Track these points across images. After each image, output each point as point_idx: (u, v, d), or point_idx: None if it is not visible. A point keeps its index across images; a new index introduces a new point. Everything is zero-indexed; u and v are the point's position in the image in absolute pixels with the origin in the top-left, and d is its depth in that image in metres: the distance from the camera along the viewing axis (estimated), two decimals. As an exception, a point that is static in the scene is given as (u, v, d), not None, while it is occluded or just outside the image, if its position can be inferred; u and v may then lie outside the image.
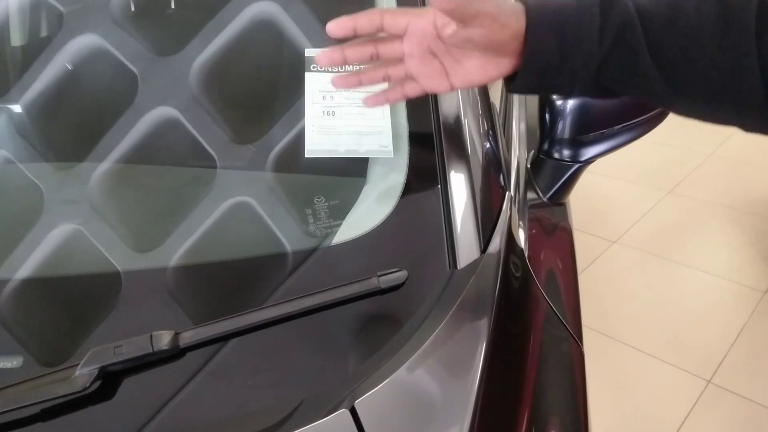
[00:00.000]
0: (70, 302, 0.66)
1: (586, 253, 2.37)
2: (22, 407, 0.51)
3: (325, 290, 0.59)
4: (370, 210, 0.68)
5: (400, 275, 0.60)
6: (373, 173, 0.71)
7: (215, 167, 0.72)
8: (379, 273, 0.60)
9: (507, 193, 0.73)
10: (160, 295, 0.63)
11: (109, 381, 0.54)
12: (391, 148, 0.70)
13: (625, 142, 0.88)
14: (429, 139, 0.70)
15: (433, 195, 0.67)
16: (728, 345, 1.89)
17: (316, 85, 0.70)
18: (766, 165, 2.94)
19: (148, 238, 0.69)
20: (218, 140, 0.73)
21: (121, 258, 0.66)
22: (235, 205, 0.69)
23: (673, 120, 0.70)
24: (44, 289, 0.67)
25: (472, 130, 0.72)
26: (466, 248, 0.64)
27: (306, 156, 0.69)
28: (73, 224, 0.69)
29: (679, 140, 3.27)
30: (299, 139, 0.70)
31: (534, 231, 0.78)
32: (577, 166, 0.87)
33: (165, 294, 0.63)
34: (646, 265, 2.29)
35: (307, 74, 0.71)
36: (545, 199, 0.87)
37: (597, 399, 1.73)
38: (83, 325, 0.62)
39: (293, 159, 0.71)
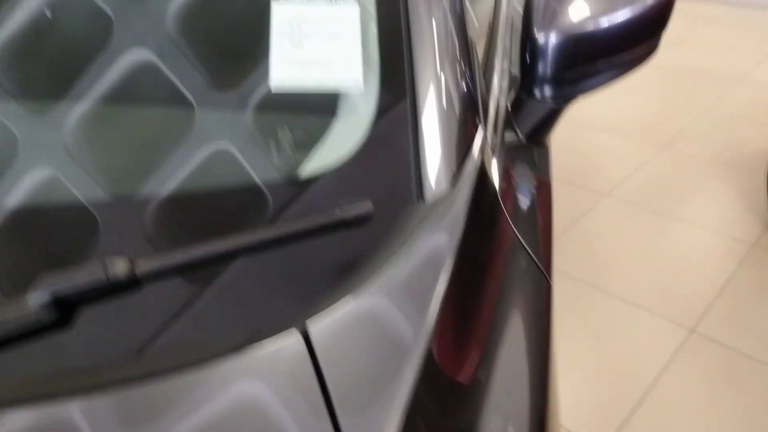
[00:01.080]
0: (46, 248, 0.65)
1: (578, 205, 2.37)
2: None
3: (288, 222, 0.58)
4: (338, 143, 0.67)
5: (365, 207, 0.58)
6: (343, 106, 0.70)
7: (193, 112, 0.70)
8: (343, 204, 0.58)
9: (480, 128, 0.72)
10: (137, 240, 0.63)
11: (65, 310, 0.53)
12: (361, 81, 0.68)
13: (608, 80, 0.86)
14: (400, 71, 0.68)
15: (403, 128, 0.66)
16: (714, 295, 1.91)
17: (283, 15, 0.68)
18: (762, 120, 2.91)
19: (124, 183, 0.68)
20: (196, 85, 0.71)
21: (97, 204, 0.65)
22: (214, 152, 0.68)
23: (669, 74, 0.68)
24: (18, 234, 0.66)
25: (445, 63, 0.71)
26: (434, 181, 0.63)
27: (272, 90, 0.67)
28: (48, 168, 0.68)
29: (675, 95, 3.24)
30: (299, 99, 0.68)
31: (509, 169, 0.77)
32: (558, 105, 0.85)
33: (142, 240, 0.63)
34: (636, 218, 2.29)
35: (273, 4, 0.68)
36: (524, 139, 0.86)
37: (579, 346, 1.76)
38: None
39: (273, 104, 0.70)
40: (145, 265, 0.53)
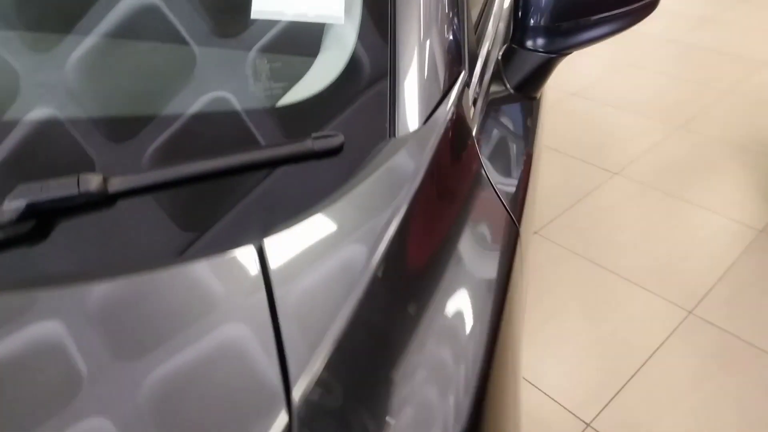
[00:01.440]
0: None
1: (587, 182, 2.33)
2: None
3: (260, 149, 0.58)
4: (318, 76, 0.66)
5: (336, 140, 0.58)
6: (324, 38, 0.68)
7: (194, 58, 0.70)
8: (314, 135, 0.58)
9: (464, 73, 0.70)
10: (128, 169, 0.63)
11: (41, 222, 0.54)
12: (342, 13, 0.66)
13: (605, 34, 0.83)
14: (384, 5, 0.67)
15: (382, 63, 0.65)
16: (715, 279, 1.87)
17: (265, -61, 0.66)
18: (784, 106, 2.83)
19: (123, 128, 0.68)
20: (199, 31, 0.71)
21: (95, 146, 0.66)
22: (214, 99, 0.68)
23: (690, 53, 0.65)
24: (18, 176, 0.66)
25: (431, 4, 0.69)
26: (409, 119, 0.62)
27: (252, 17, 0.66)
28: (47, 106, 0.68)
29: (696, 75, 3.16)
30: (282, 32, 0.67)
31: (491, 117, 0.75)
32: (551, 57, 0.83)
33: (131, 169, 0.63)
34: (644, 198, 2.25)
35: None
36: (512, 91, 0.84)
37: (575, 321, 1.75)
38: None
39: (275, 51, 0.69)
40: (117, 182, 0.55)
